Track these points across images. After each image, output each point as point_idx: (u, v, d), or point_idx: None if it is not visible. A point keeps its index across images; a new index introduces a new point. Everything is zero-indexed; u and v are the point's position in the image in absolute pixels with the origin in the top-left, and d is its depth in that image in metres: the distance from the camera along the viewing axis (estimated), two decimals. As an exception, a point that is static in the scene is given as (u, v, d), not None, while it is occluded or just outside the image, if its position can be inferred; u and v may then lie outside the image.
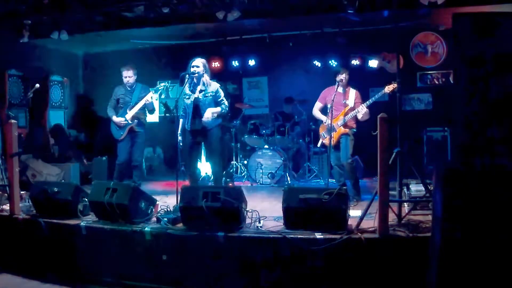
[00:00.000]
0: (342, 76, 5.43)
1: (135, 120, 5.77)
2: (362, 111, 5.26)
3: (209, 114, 4.97)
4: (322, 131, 5.69)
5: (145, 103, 5.71)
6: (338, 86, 5.34)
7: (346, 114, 5.41)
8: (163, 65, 9.16)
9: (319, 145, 5.93)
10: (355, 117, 5.44)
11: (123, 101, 5.85)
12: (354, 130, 5.49)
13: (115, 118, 5.80)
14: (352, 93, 5.48)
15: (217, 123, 5.19)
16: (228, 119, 7.65)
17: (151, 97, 5.72)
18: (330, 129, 5.28)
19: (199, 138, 5.20)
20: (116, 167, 5.89)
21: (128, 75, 5.82)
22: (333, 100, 5.26)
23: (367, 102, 5.30)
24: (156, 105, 9.54)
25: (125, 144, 5.83)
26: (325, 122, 5.55)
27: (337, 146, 5.51)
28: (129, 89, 5.88)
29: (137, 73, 5.91)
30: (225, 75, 9.11)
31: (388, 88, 5.10)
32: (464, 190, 2.68)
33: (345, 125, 5.45)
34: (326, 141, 5.52)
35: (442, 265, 2.73)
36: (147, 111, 5.97)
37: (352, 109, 5.41)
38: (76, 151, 8.13)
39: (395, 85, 5.00)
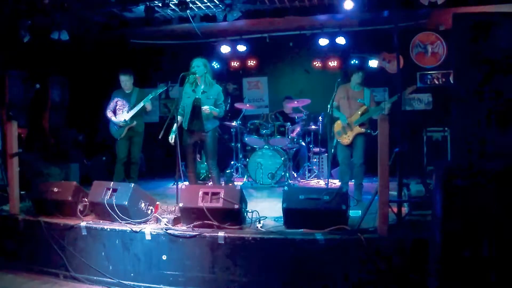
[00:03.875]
0: (359, 75, 5.49)
1: (134, 121, 6.01)
2: (387, 107, 5.26)
3: (208, 108, 5.04)
4: (337, 129, 5.60)
5: (144, 105, 5.96)
6: (351, 84, 5.49)
7: (363, 113, 5.41)
8: (163, 65, 9.16)
9: (334, 143, 5.82)
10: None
11: (121, 103, 6.12)
12: (368, 130, 5.47)
13: (114, 118, 6.07)
14: (367, 93, 5.52)
15: (215, 126, 5.23)
16: (228, 119, 7.65)
17: (150, 100, 6.01)
18: (330, 123, 5.32)
19: (195, 138, 5.21)
20: (117, 165, 6.11)
21: (125, 80, 6.10)
22: (345, 98, 5.39)
23: (392, 99, 5.33)
24: (156, 105, 9.67)
25: (124, 142, 6.09)
26: (343, 121, 5.50)
27: (350, 146, 5.50)
28: (127, 92, 6.15)
29: (133, 77, 6.17)
30: (225, 75, 9.12)
31: (409, 90, 5.19)
32: (464, 190, 2.68)
33: (361, 124, 5.43)
34: (342, 140, 5.53)
35: (442, 265, 2.73)
36: (144, 113, 6.22)
37: (367, 109, 5.43)
38: (76, 151, 8.13)
39: (414, 87, 5.21)
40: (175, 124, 5.00)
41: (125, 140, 6.10)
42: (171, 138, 4.99)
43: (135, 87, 6.22)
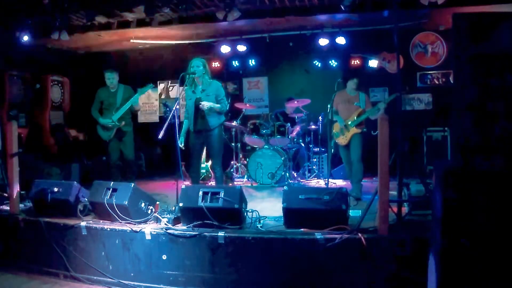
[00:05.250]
0: (354, 82, 5.77)
1: (122, 121, 5.79)
2: (382, 107, 5.46)
3: (207, 103, 5.02)
4: (335, 131, 5.88)
5: (132, 104, 5.75)
6: (347, 89, 5.80)
7: (359, 115, 5.64)
8: (163, 65, 9.17)
9: (332, 144, 6.02)
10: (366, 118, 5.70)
11: (107, 103, 5.87)
12: (365, 129, 5.72)
13: (102, 120, 5.81)
14: (362, 96, 5.76)
15: (219, 123, 5.21)
16: (228, 119, 7.65)
17: (137, 99, 5.79)
18: (330, 123, 5.50)
19: (201, 139, 5.21)
20: (110, 168, 5.93)
21: (112, 77, 5.86)
22: (342, 102, 5.70)
23: (387, 100, 5.48)
24: (156, 105, 9.67)
25: (114, 144, 5.86)
26: (341, 123, 5.77)
27: (348, 145, 5.75)
28: (112, 90, 5.90)
29: (118, 75, 5.95)
30: (225, 75, 9.12)
31: (403, 92, 5.28)
32: (464, 190, 2.68)
33: (358, 125, 5.68)
34: (339, 141, 5.82)
35: (442, 265, 2.73)
36: (132, 112, 6.00)
37: (364, 111, 5.65)
38: (76, 151, 8.13)
39: (406, 90, 5.37)
40: (183, 128, 5.01)
41: (115, 142, 5.84)
42: (181, 143, 5.00)
43: (120, 84, 5.94)
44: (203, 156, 7.11)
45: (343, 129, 5.72)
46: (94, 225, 4.24)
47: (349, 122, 5.65)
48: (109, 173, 5.97)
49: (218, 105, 5.11)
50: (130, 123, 5.96)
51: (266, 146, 7.04)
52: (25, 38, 6.83)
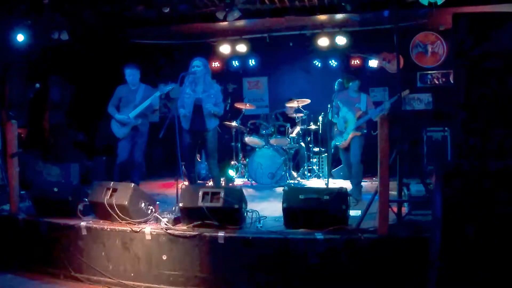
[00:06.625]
0: (356, 84, 5.71)
1: (139, 119, 5.64)
2: (387, 107, 5.42)
3: (211, 107, 5.07)
4: (335, 132, 5.85)
5: (150, 103, 5.59)
6: (349, 90, 5.72)
7: (360, 117, 5.58)
8: (163, 65, 9.16)
9: (333, 145, 6.04)
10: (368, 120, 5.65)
11: (125, 100, 5.70)
12: (365, 131, 5.64)
13: (118, 116, 5.66)
14: (364, 97, 5.68)
15: (216, 125, 5.24)
16: (228, 119, 7.65)
17: (157, 98, 5.66)
18: (330, 123, 5.53)
19: (196, 138, 5.22)
20: (116, 166, 5.76)
21: (133, 73, 5.71)
22: (342, 103, 5.61)
23: (391, 100, 5.47)
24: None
25: (126, 143, 5.68)
26: (340, 126, 5.74)
27: (348, 147, 5.69)
28: (132, 88, 5.74)
29: (140, 72, 5.80)
30: (225, 75, 9.12)
31: (404, 93, 5.25)
32: (464, 190, 2.68)
33: (357, 127, 5.60)
34: (340, 144, 5.77)
35: (442, 265, 2.73)
36: (150, 112, 5.86)
37: (365, 113, 5.59)
38: (76, 151, 8.12)
39: (407, 91, 5.31)
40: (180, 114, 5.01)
41: (128, 141, 5.66)
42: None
43: (141, 83, 5.79)
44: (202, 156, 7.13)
45: (342, 132, 5.67)
46: (94, 225, 4.24)
47: (349, 124, 5.61)
48: (111, 173, 5.83)
49: (217, 109, 5.16)
50: (146, 124, 5.78)
51: (266, 146, 7.04)
52: (25, 38, 6.83)
